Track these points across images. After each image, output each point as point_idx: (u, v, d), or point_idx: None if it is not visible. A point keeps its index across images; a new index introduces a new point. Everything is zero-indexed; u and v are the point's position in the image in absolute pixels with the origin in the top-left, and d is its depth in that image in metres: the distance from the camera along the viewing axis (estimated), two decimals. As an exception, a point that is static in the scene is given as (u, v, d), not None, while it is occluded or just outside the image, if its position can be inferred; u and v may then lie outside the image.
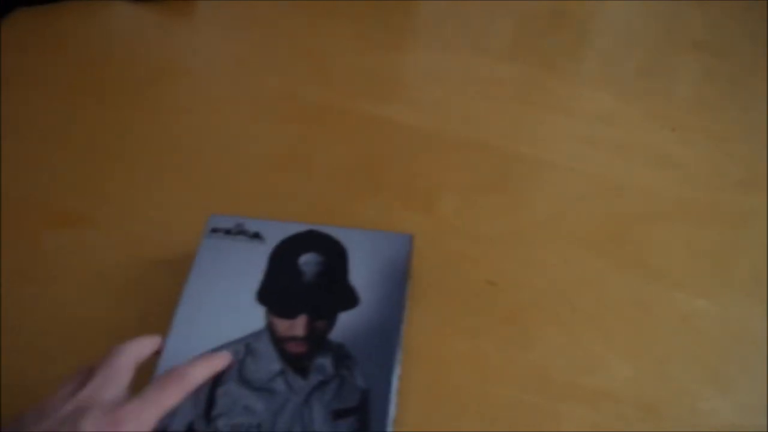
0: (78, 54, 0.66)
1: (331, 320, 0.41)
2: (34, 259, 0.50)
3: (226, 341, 0.40)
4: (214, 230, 0.46)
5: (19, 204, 0.53)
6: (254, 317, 0.42)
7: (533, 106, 0.62)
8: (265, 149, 0.57)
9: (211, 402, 0.38)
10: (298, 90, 0.63)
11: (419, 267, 0.48)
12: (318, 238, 0.46)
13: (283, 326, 0.41)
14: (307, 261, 0.44)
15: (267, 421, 0.37)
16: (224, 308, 0.42)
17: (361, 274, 0.44)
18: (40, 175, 0.55)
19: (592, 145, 0.58)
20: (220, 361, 0.39)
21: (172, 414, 0.36)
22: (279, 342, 0.40)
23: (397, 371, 0.40)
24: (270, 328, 0.41)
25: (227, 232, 0.46)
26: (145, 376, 0.39)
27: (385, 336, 0.41)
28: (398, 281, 0.43)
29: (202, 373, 0.37)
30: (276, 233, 0.46)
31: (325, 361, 0.39)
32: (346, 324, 0.41)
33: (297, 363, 0.40)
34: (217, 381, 0.39)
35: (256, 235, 0.46)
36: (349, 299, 0.42)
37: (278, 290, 0.43)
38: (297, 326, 0.41)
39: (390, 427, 0.37)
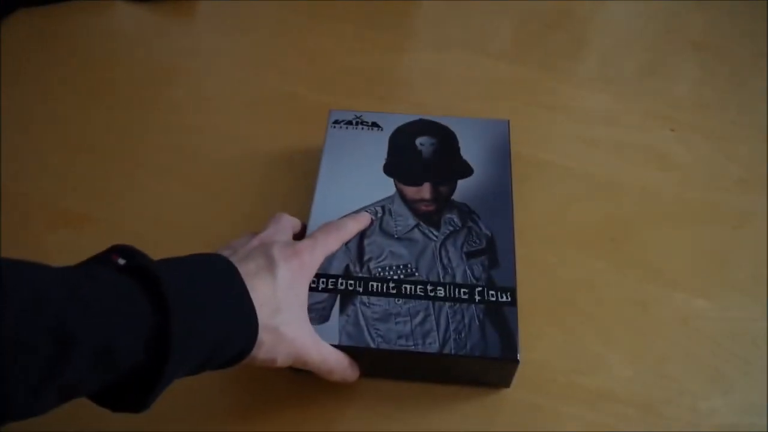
0: (79, 54, 0.66)
1: (452, 186, 0.48)
2: (35, 259, 0.50)
3: (364, 205, 0.47)
4: (336, 122, 0.53)
5: (19, 204, 0.53)
6: (385, 186, 0.48)
7: (533, 106, 0.62)
8: (265, 149, 0.57)
9: (361, 250, 0.44)
10: (298, 90, 0.63)
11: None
12: (429, 124, 0.53)
13: (411, 192, 0.48)
14: (423, 142, 0.51)
15: (412, 261, 0.44)
16: (357, 180, 0.49)
17: (470, 152, 0.51)
18: (41, 175, 0.55)
19: (592, 145, 0.59)
20: (365, 219, 0.46)
21: (329, 261, 0.43)
22: (410, 203, 0.47)
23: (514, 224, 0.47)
24: (400, 194, 0.48)
25: (348, 123, 0.52)
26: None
27: (500, 196, 0.48)
28: (502, 155, 0.51)
29: (354, 226, 0.45)
30: (391, 123, 0.53)
31: (453, 216, 0.46)
32: (465, 189, 0.48)
33: (429, 218, 0.46)
34: (362, 235, 0.45)
35: (375, 124, 0.52)
36: (465, 169, 0.49)
37: (402, 163, 0.50)
38: (424, 191, 0.48)
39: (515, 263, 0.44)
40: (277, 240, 0.40)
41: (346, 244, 0.44)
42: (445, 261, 0.44)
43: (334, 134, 0.52)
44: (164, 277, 0.31)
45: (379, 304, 0.42)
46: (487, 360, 0.40)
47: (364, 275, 0.43)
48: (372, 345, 0.40)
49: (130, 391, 0.31)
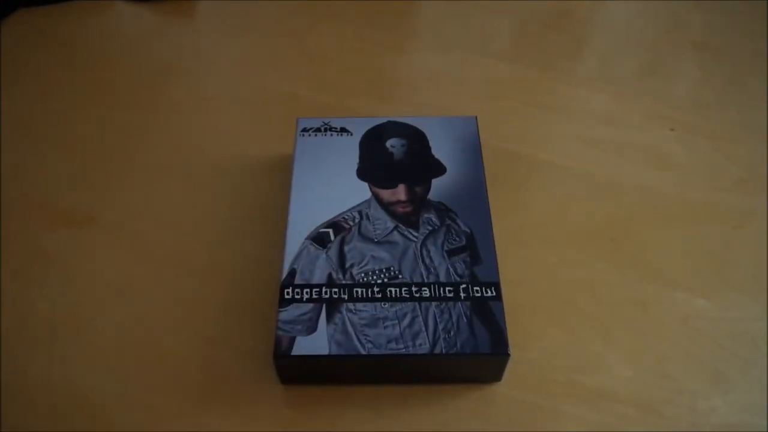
0: (79, 54, 0.66)
1: (426, 186, 0.48)
2: (35, 259, 0.50)
3: (340, 212, 0.47)
4: (305, 130, 0.53)
5: (19, 204, 0.53)
6: (360, 191, 0.48)
7: (533, 106, 0.62)
8: (265, 149, 0.57)
9: (342, 257, 0.44)
10: (298, 90, 0.63)
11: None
12: (398, 125, 0.53)
13: (386, 194, 0.48)
14: (393, 144, 0.51)
15: (394, 264, 0.44)
16: (331, 187, 0.48)
17: (442, 150, 0.51)
18: (41, 175, 0.55)
19: (591, 145, 0.59)
20: None
21: (311, 271, 0.44)
22: (387, 206, 0.47)
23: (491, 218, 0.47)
24: (376, 198, 0.48)
25: (317, 130, 0.52)
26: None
27: (475, 192, 0.48)
28: (473, 151, 0.51)
29: None
30: (360, 127, 0.53)
31: (431, 216, 0.47)
32: (440, 188, 0.48)
33: (407, 220, 0.46)
34: (342, 241, 0.45)
35: (344, 130, 0.52)
36: (438, 168, 0.50)
37: (374, 167, 0.50)
38: (399, 192, 0.48)
39: (496, 258, 0.45)
40: None
41: (327, 252, 0.44)
42: (427, 261, 0.44)
43: (304, 142, 0.52)
44: None
45: (366, 309, 0.42)
46: (479, 356, 0.40)
47: (348, 282, 0.43)
48: (362, 351, 0.40)
49: None
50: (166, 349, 0.45)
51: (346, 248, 0.45)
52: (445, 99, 0.62)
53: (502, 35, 0.70)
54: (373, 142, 0.51)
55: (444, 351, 0.40)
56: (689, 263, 0.50)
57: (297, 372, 0.42)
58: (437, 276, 0.43)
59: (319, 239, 0.45)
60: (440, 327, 0.41)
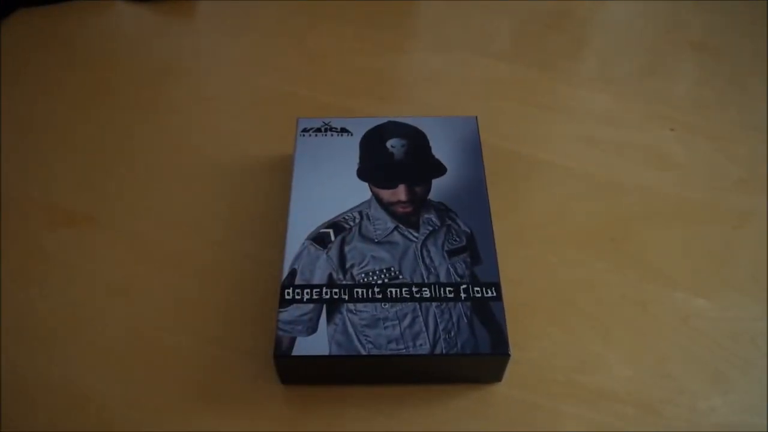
0: (79, 54, 0.66)
1: (427, 186, 0.48)
2: (35, 259, 0.50)
3: (340, 212, 0.47)
4: (305, 130, 0.52)
5: (19, 204, 0.53)
6: (360, 191, 0.48)
7: (533, 106, 0.62)
8: (265, 149, 0.57)
9: (343, 258, 0.44)
10: (298, 90, 0.63)
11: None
12: (398, 125, 0.53)
13: (387, 195, 0.48)
14: (393, 144, 0.51)
15: (394, 264, 0.44)
16: (331, 187, 0.48)
17: (442, 150, 0.51)
18: (41, 175, 0.55)
19: (591, 145, 0.59)
20: None
21: (311, 271, 0.43)
22: (387, 206, 0.47)
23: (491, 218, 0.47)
24: (376, 198, 0.48)
25: (317, 130, 0.52)
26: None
27: (476, 192, 0.48)
28: (474, 151, 0.51)
29: None
30: (360, 127, 0.53)
31: (431, 216, 0.46)
32: (440, 188, 0.48)
33: (407, 220, 0.46)
34: (343, 242, 0.45)
35: (344, 130, 0.52)
36: (438, 168, 0.50)
37: (375, 167, 0.50)
38: (399, 193, 0.48)
39: (496, 258, 0.45)
40: None
41: (327, 252, 0.44)
42: (428, 261, 0.44)
43: (304, 142, 0.52)
44: None
45: (366, 310, 0.42)
46: (479, 357, 0.40)
47: (348, 282, 0.43)
48: (363, 352, 0.40)
49: None
50: (166, 349, 0.45)
51: (346, 248, 0.45)
52: (445, 99, 0.62)
53: (502, 35, 0.70)
54: (373, 142, 0.51)
55: (444, 351, 0.40)
56: (689, 263, 0.50)
57: (297, 372, 0.42)
58: (437, 276, 0.43)
59: (319, 239, 0.45)
60: (440, 327, 0.41)
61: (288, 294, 0.42)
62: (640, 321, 0.47)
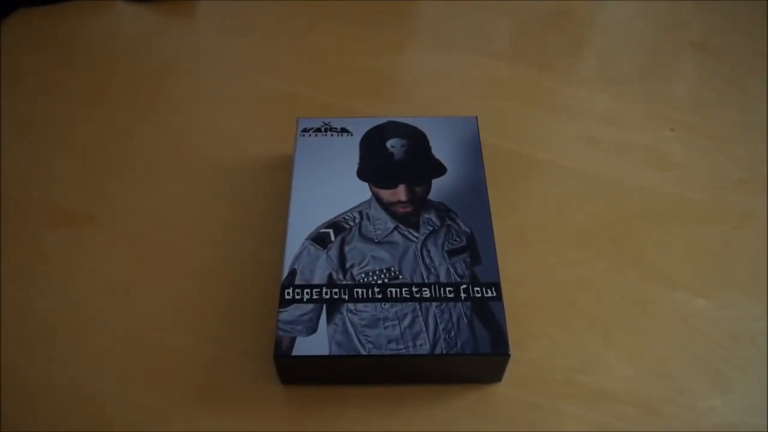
0: (79, 54, 0.66)
1: (427, 186, 0.48)
2: (35, 259, 0.50)
3: (340, 212, 0.47)
4: (305, 130, 0.53)
5: (19, 204, 0.53)
6: (360, 191, 0.48)
7: (533, 106, 0.62)
8: (265, 149, 0.57)
9: (343, 258, 0.44)
10: (298, 90, 0.63)
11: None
12: (399, 125, 0.53)
13: (387, 195, 0.48)
14: (393, 144, 0.51)
15: (394, 264, 0.44)
16: (331, 187, 0.48)
17: (442, 150, 0.51)
18: (41, 175, 0.55)
19: (591, 145, 0.59)
20: None
21: (311, 271, 0.43)
22: (387, 206, 0.47)
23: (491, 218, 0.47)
24: (376, 198, 0.47)
25: (317, 130, 0.52)
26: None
27: (476, 193, 0.48)
28: (474, 151, 0.51)
29: None
30: (360, 127, 0.53)
31: (431, 216, 0.47)
32: (440, 188, 0.48)
33: (407, 220, 0.46)
34: (343, 241, 0.45)
35: (344, 130, 0.52)
36: (438, 168, 0.50)
37: (375, 167, 0.50)
38: (399, 193, 0.48)
39: (496, 258, 0.45)
40: None
41: (327, 252, 0.44)
42: (428, 261, 0.44)
43: (304, 142, 0.52)
44: None
45: (366, 310, 0.42)
46: (479, 357, 0.40)
47: (348, 282, 0.43)
48: (363, 352, 0.40)
49: None
50: (166, 349, 0.45)
51: (346, 248, 0.45)
52: (445, 99, 0.62)
53: (502, 35, 0.70)
54: (373, 142, 0.51)
55: (444, 351, 0.40)
56: (689, 263, 0.50)
57: (297, 372, 0.42)
58: (437, 276, 0.43)
59: (319, 239, 0.45)
60: (440, 327, 0.41)
61: (288, 294, 0.42)
62: (640, 321, 0.47)
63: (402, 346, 0.40)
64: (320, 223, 0.46)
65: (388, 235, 0.45)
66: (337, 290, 0.43)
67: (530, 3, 0.73)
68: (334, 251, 0.45)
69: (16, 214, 0.52)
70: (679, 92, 0.64)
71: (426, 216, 0.47)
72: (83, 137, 0.58)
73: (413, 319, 0.41)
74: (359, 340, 0.40)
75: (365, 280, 0.43)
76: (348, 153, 0.51)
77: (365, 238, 0.45)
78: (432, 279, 0.43)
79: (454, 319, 0.41)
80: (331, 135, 0.52)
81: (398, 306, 0.42)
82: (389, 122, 0.53)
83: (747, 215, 0.54)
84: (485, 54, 0.67)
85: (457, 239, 0.45)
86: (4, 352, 0.45)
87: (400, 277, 0.43)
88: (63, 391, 0.43)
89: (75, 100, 0.62)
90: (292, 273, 0.43)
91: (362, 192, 0.48)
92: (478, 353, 0.40)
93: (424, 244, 0.45)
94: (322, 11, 0.71)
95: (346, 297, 0.42)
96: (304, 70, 0.65)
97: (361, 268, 0.44)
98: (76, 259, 0.50)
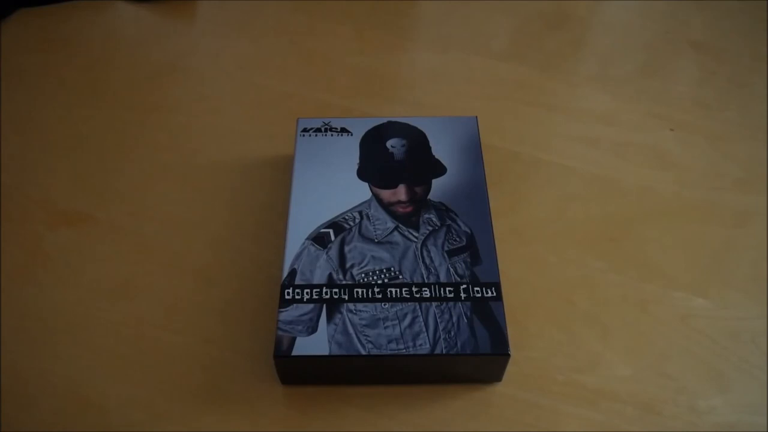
0: (79, 54, 0.66)
1: (427, 186, 0.48)
2: (35, 259, 0.50)
3: (340, 212, 0.47)
4: (305, 130, 0.53)
5: (19, 204, 0.53)
6: (360, 191, 0.48)
7: (533, 106, 0.62)
8: (265, 149, 0.57)
9: (343, 258, 0.44)
10: (298, 90, 0.63)
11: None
12: (398, 125, 0.53)
13: (387, 195, 0.48)
14: (394, 144, 0.51)
15: (394, 264, 0.44)
16: (332, 187, 0.48)
17: (442, 150, 0.51)
18: (41, 175, 0.55)
19: (591, 145, 0.59)
20: None
21: (311, 271, 0.44)
22: (387, 206, 0.47)
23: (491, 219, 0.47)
24: (376, 198, 0.48)
25: (317, 130, 0.52)
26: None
27: (476, 192, 0.48)
28: (474, 151, 0.51)
29: None
30: (360, 127, 0.53)
31: (431, 216, 0.47)
32: (440, 188, 0.48)
33: (407, 220, 0.46)
34: (343, 242, 0.45)
35: (344, 130, 0.52)
36: (438, 168, 0.50)
37: (375, 167, 0.50)
38: (399, 193, 0.48)
39: (496, 258, 0.45)
40: None
41: (327, 252, 0.44)
42: (428, 261, 0.44)
43: (304, 142, 0.52)
44: None
45: (366, 309, 0.42)
46: (479, 357, 0.40)
47: (348, 282, 0.43)
48: (363, 352, 0.40)
49: None
50: (166, 350, 0.45)
51: (346, 248, 0.45)
52: (445, 99, 0.62)
53: (502, 35, 0.70)
54: (373, 142, 0.51)
55: (444, 351, 0.40)
56: (689, 263, 0.50)
57: (297, 372, 0.42)
58: (437, 276, 0.43)
59: (319, 239, 0.45)
60: (440, 327, 0.41)
61: (288, 294, 0.42)
62: (640, 321, 0.47)
63: (402, 346, 0.40)
64: (320, 223, 0.46)
65: (388, 235, 0.45)
66: (337, 290, 0.43)
67: (530, 3, 0.73)
68: (334, 251, 0.45)
69: (16, 214, 0.52)
70: (678, 92, 0.64)
71: (426, 216, 0.47)
72: (83, 137, 0.58)
73: (413, 319, 0.41)
74: (359, 340, 0.40)
75: (365, 280, 0.43)
76: (348, 153, 0.51)
77: (365, 238, 0.45)
78: (432, 279, 0.43)
79: (454, 319, 0.41)
80: (331, 135, 0.52)
81: (398, 306, 0.42)
82: (389, 122, 0.53)
83: (746, 215, 0.54)
84: (485, 54, 0.67)
85: (457, 239, 0.45)
86: (4, 352, 0.45)
87: (400, 277, 0.43)
88: (63, 390, 0.43)
89: (75, 100, 0.62)
90: (292, 273, 0.43)
91: (362, 192, 0.48)
92: (478, 353, 0.40)
93: (424, 244, 0.45)
94: (321, 11, 0.71)
95: (346, 297, 0.42)
96: (304, 70, 0.65)
97: (361, 268, 0.44)
98: (76, 259, 0.50)
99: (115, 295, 0.48)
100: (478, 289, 0.43)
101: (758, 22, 0.71)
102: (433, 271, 0.44)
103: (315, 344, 0.40)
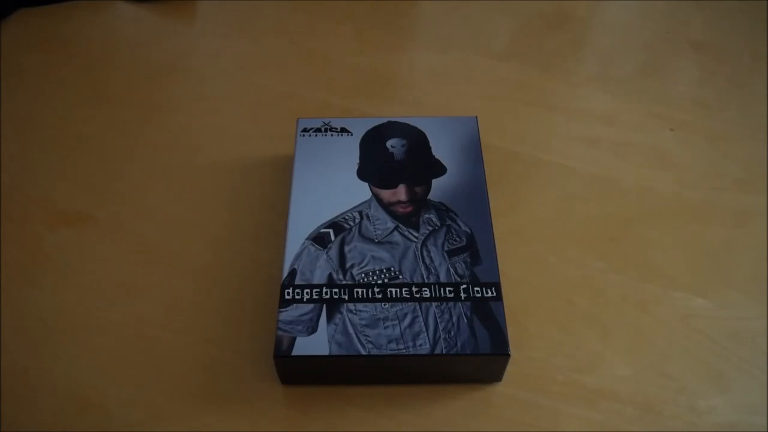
0: (79, 54, 0.66)
1: (427, 186, 0.48)
2: (35, 259, 0.50)
3: (340, 212, 0.47)
4: (305, 130, 0.53)
5: (19, 204, 0.53)
6: (360, 191, 0.48)
7: (533, 106, 0.62)
8: (265, 149, 0.57)
9: (343, 258, 0.44)
10: (298, 90, 0.63)
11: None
12: (398, 125, 0.53)
13: (387, 195, 0.48)
14: (394, 144, 0.51)
15: (394, 264, 0.44)
16: (332, 187, 0.48)
17: (442, 150, 0.51)
18: (41, 175, 0.55)
19: (591, 145, 0.59)
20: None
21: (311, 271, 0.44)
22: (387, 206, 0.47)
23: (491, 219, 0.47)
24: (376, 198, 0.48)
25: (317, 130, 0.52)
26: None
27: (476, 192, 0.48)
28: (474, 151, 0.51)
29: None
30: (360, 127, 0.53)
31: (431, 216, 0.47)
32: (440, 188, 0.48)
33: (407, 220, 0.46)
34: (343, 242, 0.45)
35: (344, 130, 0.52)
36: (438, 168, 0.50)
37: (375, 167, 0.50)
38: (399, 193, 0.48)
39: (496, 258, 0.45)
40: None
41: (327, 252, 0.44)
42: (428, 261, 0.44)
43: (304, 142, 0.52)
44: None
45: (366, 309, 0.42)
46: (479, 357, 0.40)
47: (348, 282, 0.43)
48: (363, 352, 0.40)
49: None
50: (166, 350, 0.45)
51: (346, 248, 0.45)
52: (445, 99, 0.62)
53: (502, 35, 0.70)
54: (373, 142, 0.51)
55: (444, 351, 0.40)
56: (689, 263, 0.50)
57: (297, 372, 0.42)
58: (437, 276, 0.43)
59: (319, 239, 0.45)
60: (441, 327, 0.41)
61: (288, 294, 0.42)
62: (640, 321, 0.47)
63: (402, 346, 0.40)
64: (320, 223, 0.46)
65: (388, 235, 0.45)
66: (337, 290, 0.43)
67: (530, 3, 0.73)
68: (334, 251, 0.45)
69: (16, 214, 0.52)
70: (678, 92, 0.64)
71: (426, 216, 0.47)
72: (83, 137, 0.58)
73: (413, 319, 0.41)
74: (359, 340, 0.40)
75: (365, 280, 0.43)
76: (348, 153, 0.51)
77: (365, 238, 0.45)
78: (432, 279, 0.43)
79: (454, 319, 0.41)
80: (331, 135, 0.52)
81: (398, 306, 0.42)
82: (389, 122, 0.53)
83: (746, 215, 0.54)
84: (485, 54, 0.67)
85: (457, 239, 0.45)
86: (4, 352, 0.45)
87: (400, 277, 0.43)
88: (63, 391, 0.43)
89: (75, 100, 0.62)
90: (292, 273, 0.43)
91: (362, 192, 0.48)
92: (478, 353, 0.40)
93: (424, 244, 0.45)
94: (321, 11, 0.71)
95: (346, 297, 0.42)
96: (304, 70, 0.65)
97: (361, 268, 0.44)
98: (76, 259, 0.50)
99: (115, 295, 0.48)
100: (478, 289, 0.43)
101: (758, 22, 0.71)
102: (433, 271, 0.44)
103: (315, 344, 0.40)
